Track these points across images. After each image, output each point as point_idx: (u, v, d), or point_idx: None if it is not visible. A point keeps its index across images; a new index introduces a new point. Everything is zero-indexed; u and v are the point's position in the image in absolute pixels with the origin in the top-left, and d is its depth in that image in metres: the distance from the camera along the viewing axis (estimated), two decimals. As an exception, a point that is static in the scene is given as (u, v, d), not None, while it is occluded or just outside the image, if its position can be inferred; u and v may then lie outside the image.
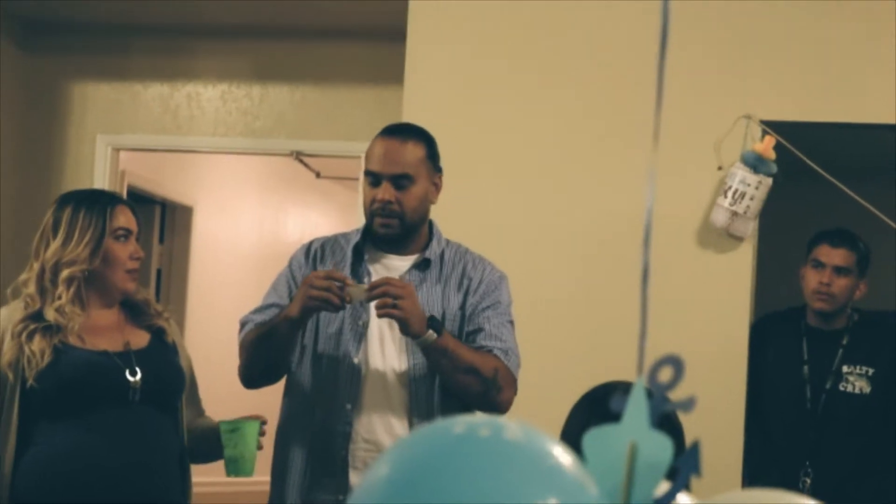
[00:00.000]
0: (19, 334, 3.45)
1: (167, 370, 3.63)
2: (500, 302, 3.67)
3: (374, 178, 3.62)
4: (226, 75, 6.32)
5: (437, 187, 3.71)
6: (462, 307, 3.64)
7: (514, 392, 3.63)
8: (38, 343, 3.42)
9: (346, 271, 3.64)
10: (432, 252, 3.68)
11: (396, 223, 3.61)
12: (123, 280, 3.58)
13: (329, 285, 3.39)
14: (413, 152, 3.65)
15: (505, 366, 3.58)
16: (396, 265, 3.67)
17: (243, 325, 3.71)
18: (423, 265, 3.67)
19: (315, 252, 3.76)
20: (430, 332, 3.44)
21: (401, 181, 3.60)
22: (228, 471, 3.57)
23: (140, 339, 3.62)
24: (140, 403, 3.50)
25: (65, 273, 3.49)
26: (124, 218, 3.58)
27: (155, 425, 3.54)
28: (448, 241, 3.76)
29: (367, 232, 3.73)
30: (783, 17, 5.00)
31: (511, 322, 3.69)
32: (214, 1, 5.89)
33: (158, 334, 3.66)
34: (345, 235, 3.79)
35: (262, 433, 3.58)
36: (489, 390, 3.53)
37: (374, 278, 3.62)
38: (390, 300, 3.38)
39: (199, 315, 7.77)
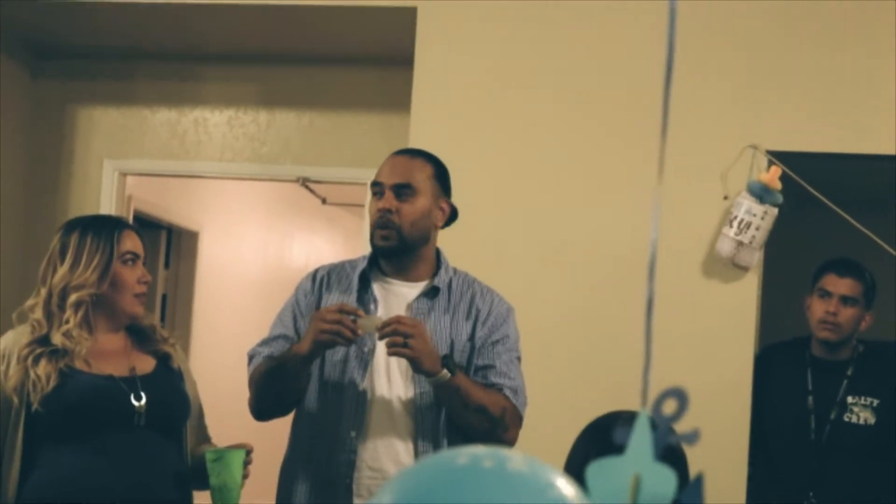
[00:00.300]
0: (25, 358, 3.45)
1: (172, 396, 3.63)
2: (509, 336, 3.66)
3: (378, 189, 3.64)
4: (233, 101, 6.33)
5: (444, 212, 3.69)
6: (471, 338, 3.62)
7: (519, 429, 3.63)
8: (43, 367, 3.43)
9: (353, 298, 3.64)
10: (441, 280, 3.66)
11: (394, 234, 3.59)
12: (132, 304, 3.58)
13: (341, 318, 3.38)
14: (419, 167, 3.67)
15: (513, 405, 3.57)
16: (403, 292, 3.66)
17: (251, 357, 3.70)
18: (431, 293, 3.65)
19: (321, 279, 3.75)
20: (444, 371, 3.44)
21: (402, 190, 3.60)
22: (214, 500, 3.53)
23: (146, 364, 3.62)
24: (144, 428, 3.50)
25: (73, 297, 3.50)
26: (131, 242, 3.58)
27: (159, 450, 3.53)
28: (455, 270, 3.75)
29: (375, 259, 3.73)
30: (789, 49, 5.01)
31: (518, 358, 3.68)
32: (222, 27, 5.91)
33: (164, 360, 3.67)
34: (351, 262, 3.78)
35: (248, 462, 3.54)
36: (495, 429, 3.52)
37: (381, 305, 3.63)
38: (401, 339, 3.37)
39: (204, 340, 7.77)
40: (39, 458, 3.45)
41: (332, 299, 3.66)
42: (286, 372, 3.55)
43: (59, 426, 3.44)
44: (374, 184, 3.65)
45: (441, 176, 3.71)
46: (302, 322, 3.67)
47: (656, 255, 1.05)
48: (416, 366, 3.42)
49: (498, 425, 3.51)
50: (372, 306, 3.62)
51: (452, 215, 3.76)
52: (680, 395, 1.09)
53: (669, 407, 1.15)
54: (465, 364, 3.58)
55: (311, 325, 3.45)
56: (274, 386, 3.61)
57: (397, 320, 3.40)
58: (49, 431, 3.45)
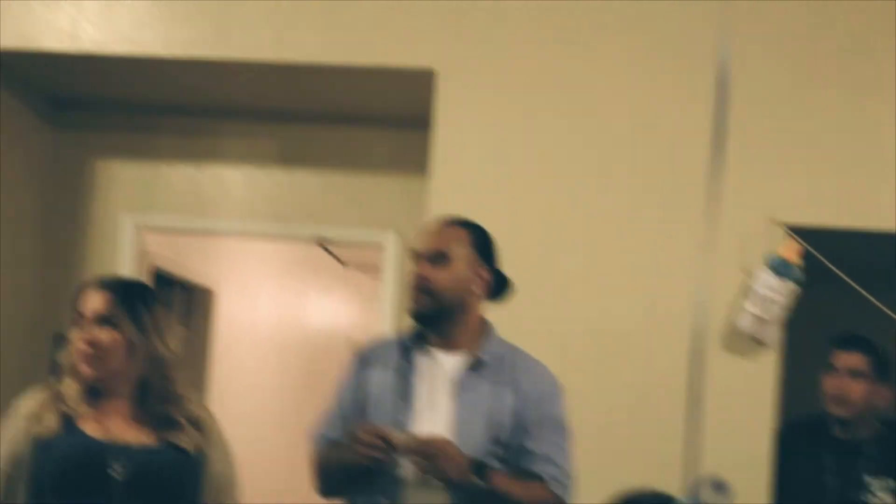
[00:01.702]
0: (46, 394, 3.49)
1: (162, 469, 3.47)
2: (556, 415, 3.65)
3: (414, 258, 3.69)
4: (252, 159, 6.33)
5: (483, 280, 3.69)
6: (514, 414, 3.59)
7: None
8: (52, 413, 3.43)
9: (392, 373, 3.66)
10: (487, 352, 3.66)
11: (428, 301, 3.62)
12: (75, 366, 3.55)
13: (374, 441, 3.45)
14: (454, 234, 3.70)
15: (555, 495, 3.55)
16: (445, 362, 3.66)
17: (314, 439, 3.78)
18: (477, 366, 3.64)
19: (364, 360, 3.78)
20: (475, 479, 3.45)
21: (436, 258, 3.63)
22: None
23: (147, 434, 3.54)
24: (125, 497, 3.41)
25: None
26: (81, 302, 3.54)
27: None
28: (502, 341, 3.74)
29: (420, 331, 3.73)
30: (810, 124, 5.01)
31: (567, 437, 3.66)
32: (243, 84, 5.91)
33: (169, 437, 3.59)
34: (399, 335, 3.82)
35: None
36: None
37: (422, 379, 3.64)
38: (423, 462, 3.43)
39: (219, 396, 7.71)
40: None
41: (374, 378, 3.70)
42: (343, 472, 3.65)
43: (49, 484, 3.40)
44: (413, 251, 3.70)
45: (480, 244, 3.72)
46: (350, 405, 3.73)
47: (704, 335, 1.00)
48: (445, 482, 3.45)
49: None
50: (412, 377, 3.64)
51: (504, 286, 3.77)
52: (720, 487, 1.06)
53: (707, 495, 1.12)
54: (504, 440, 3.56)
55: (352, 444, 3.51)
56: (337, 478, 3.70)
57: (421, 444, 3.44)
58: (45, 489, 3.40)
